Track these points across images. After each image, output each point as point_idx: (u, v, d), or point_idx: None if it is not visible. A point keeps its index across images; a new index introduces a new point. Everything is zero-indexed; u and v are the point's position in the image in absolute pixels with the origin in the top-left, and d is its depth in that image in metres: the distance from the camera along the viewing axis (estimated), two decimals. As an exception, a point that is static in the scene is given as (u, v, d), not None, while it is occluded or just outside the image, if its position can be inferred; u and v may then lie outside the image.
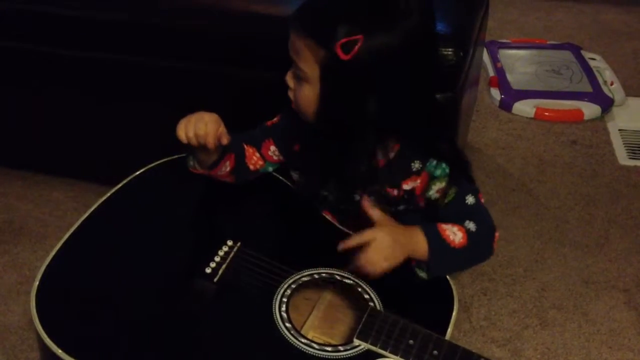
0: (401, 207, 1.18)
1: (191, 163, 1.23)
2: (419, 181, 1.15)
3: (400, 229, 1.12)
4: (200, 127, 1.11)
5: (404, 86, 1.06)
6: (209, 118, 1.12)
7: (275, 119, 1.26)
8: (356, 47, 1.00)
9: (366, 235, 1.08)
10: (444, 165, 1.13)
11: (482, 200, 1.18)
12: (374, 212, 1.11)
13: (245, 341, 1.04)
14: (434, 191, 1.15)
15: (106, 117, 1.69)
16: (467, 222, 1.13)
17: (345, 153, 1.10)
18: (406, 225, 1.13)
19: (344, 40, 1.00)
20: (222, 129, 1.14)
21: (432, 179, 1.14)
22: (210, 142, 1.12)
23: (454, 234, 1.11)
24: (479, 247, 1.15)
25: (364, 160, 1.10)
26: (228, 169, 1.22)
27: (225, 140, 1.15)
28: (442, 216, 1.15)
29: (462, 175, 1.15)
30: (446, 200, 1.15)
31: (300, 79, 1.08)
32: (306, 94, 1.08)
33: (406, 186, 1.15)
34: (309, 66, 1.05)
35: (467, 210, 1.15)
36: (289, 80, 1.11)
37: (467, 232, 1.12)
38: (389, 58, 1.02)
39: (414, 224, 1.14)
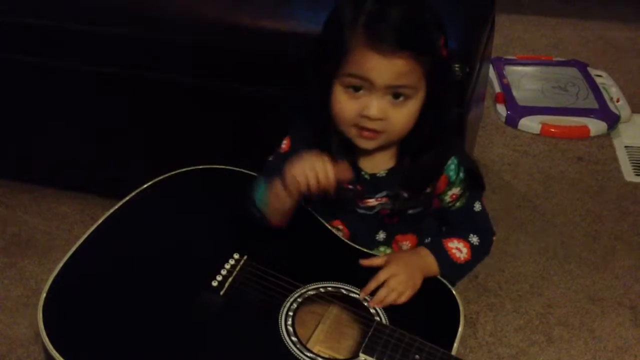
0: (417, 210, 1.18)
1: (260, 211, 1.15)
2: (437, 184, 1.17)
3: (409, 255, 1.16)
4: (323, 175, 1.03)
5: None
6: (326, 160, 1.04)
7: (284, 145, 1.20)
8: (444, 41, 1.04)
9: (382, 275, 1.11)
10: (461, 171, 1.15)
11: (484, 204, 1.22)
12: (375, 260, 1.14)
13: (251, 354, 1.04)
14: (449, 196, 1.18)
15: (113, 131, 1.70)
16: (471, 235, 1.18)
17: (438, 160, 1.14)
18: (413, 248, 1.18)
19: (442, 38, 1.04)
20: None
21: (450, 184, 1.16)
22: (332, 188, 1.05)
23: (460, 252, 1.17)
24: (480, 257, 1.21)
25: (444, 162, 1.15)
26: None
27: (350, 175, 1.08)
28: (450, 219, 1.21)
29: (475, 183, 1.18)
30: (457, 204, 1.18)
31: (400, 100, 1.03)
32: (410, 111, 1.05)
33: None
34: (415, 80, 1.02)
35: (474, 217, 1.20)
36: (381, 112, 1.03)
37: (472, 247, 1.18)
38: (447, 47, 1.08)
39: (426, 226, 1.20)
